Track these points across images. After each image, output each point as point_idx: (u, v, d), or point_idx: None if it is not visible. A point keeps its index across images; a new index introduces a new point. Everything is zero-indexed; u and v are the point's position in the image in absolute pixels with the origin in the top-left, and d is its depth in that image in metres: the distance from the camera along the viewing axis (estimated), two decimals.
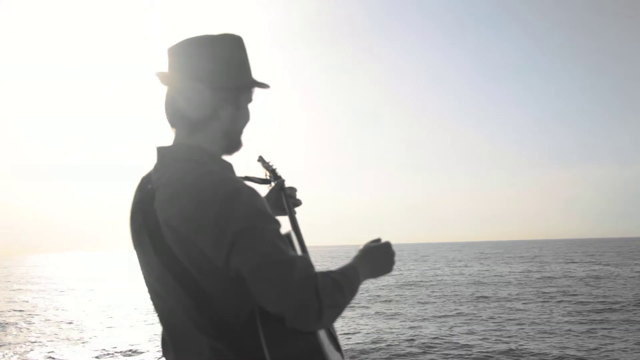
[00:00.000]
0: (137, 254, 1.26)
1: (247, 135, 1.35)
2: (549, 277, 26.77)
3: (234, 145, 1.33)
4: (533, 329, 12.19)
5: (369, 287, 22.05)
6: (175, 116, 1.27)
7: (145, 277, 1.26)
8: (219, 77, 1.26)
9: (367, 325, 13.39)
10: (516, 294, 19.31)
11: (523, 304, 16.62)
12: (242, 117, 1.32)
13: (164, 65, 1.30)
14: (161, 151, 1.26)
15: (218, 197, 1.11)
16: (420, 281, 26.45)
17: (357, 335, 12.02)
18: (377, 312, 15.60)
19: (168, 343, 1.25)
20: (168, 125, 1.31)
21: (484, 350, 10.02)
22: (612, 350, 9.83)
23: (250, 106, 1.34)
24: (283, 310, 1.09)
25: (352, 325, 13.38)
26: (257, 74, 1.33)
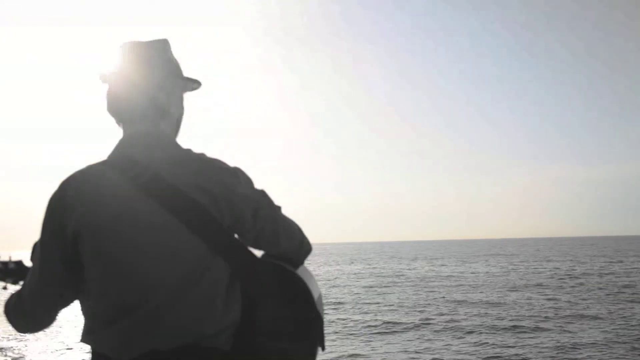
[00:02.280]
0: (127, 239, 1.22)
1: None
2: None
3: (176, 136, 1.46)
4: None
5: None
6: (129, 113, 1.35)
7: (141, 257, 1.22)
8: (169, 74, 1.38)
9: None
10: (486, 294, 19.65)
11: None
12: (182, 113, 1.46)
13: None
14: (138, 136, 1.32)
15: (231, 166, 1.33)
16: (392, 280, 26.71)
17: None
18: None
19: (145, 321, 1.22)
20: (115, 120, 1.37)
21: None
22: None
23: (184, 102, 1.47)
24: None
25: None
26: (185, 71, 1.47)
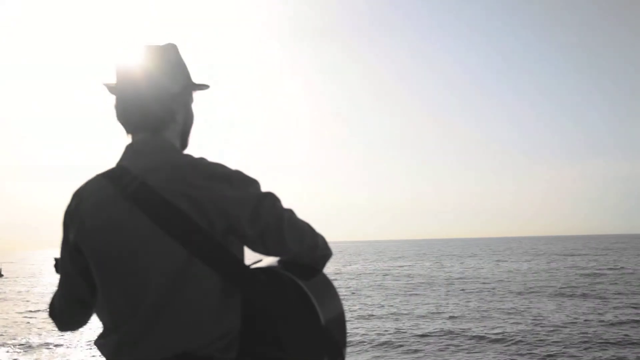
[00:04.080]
0: (114, 248, 1.24)
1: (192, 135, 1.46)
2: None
3: (184, 145, 1.44)
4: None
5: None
6: (136, 122, 1.34)
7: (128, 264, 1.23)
8: (174, 82, 1.36)
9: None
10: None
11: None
12: (191, 118, 1.44)
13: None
14: (137, 145, 1.32)
15: (230, 169, 1.27)
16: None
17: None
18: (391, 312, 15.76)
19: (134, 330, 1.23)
20: (123, 130, 1.37)
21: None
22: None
23: (193, 107, 1.45)
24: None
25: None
26: (195, 77, 1.44)
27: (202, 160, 1.28)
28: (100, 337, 1.30)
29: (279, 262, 1.36)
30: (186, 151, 1.43)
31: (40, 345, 11.37)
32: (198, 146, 1.48)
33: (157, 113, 1.33)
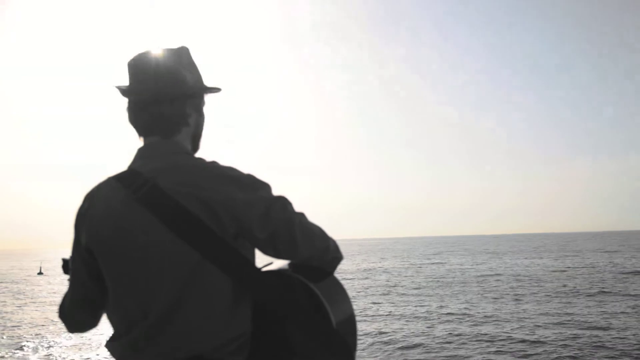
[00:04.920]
0: (125, 252, 1.23)
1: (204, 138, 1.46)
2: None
3: (197, 147, 1.44)
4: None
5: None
6: (149, 125, 1.34)
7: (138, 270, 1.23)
8: (185, 85, 1.36)
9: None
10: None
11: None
12: (202, 121, 1.44)
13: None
14: (149, 148, 1.33)
15: (239, 171, 1.27)
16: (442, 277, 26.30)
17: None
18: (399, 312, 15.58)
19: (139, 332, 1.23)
20: (136, 133, 1.38)
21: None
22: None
23: (204, 110, 1.45)
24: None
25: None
26: (206, 80, 1.43)
27: (213, 164, 1.28)
28: (111, 339, 1.30)
29: (289, 265, 1.35)
30: (198, 154, 1.42)
31: (73, 346, 11.39)
32: (210, 147, 1.48)
33: (169, 116, 1.34)
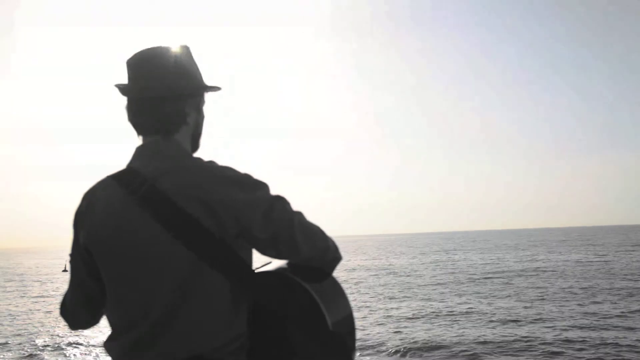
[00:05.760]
0: (126, 252, 1.23)
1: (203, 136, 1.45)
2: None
3: (196, 147, 1.43)
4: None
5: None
6: (147, 124, 1.33)
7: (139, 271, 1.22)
8: (185, 84, 1.35)
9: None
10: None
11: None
12: (202, 120, 1.43)
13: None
14: (147, 147, 1.32)
15: (237, 171, 1.26)
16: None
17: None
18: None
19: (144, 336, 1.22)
20: (135, 132, 1.36)
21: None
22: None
23: (204, 109, 1.43)
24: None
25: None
26: (206, 78, 1.42)
27: (211, 164, 1.28)
28: (109, 339, 1.30)
29: (288, 265, 1.34)
30: (197, 153, 1.41)
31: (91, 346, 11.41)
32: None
33: (168, 115, 1.33)
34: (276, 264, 1.36)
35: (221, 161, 1.31)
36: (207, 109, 1.45)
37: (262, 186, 1.27)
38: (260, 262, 1.40)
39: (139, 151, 1.34)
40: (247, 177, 1.26)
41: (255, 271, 1.30)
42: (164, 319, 1.20)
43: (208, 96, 1.44)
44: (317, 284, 1.30)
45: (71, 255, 1.38)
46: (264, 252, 1.28)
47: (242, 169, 1.29)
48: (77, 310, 1.42)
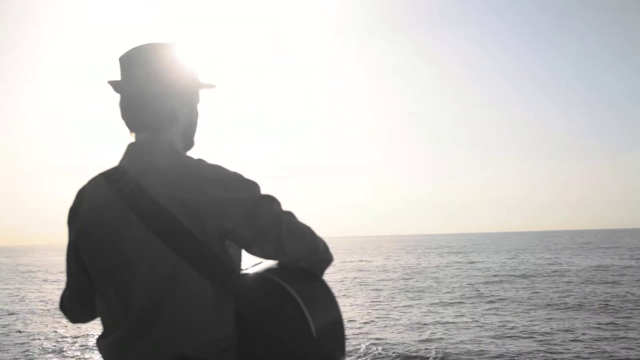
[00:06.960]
0: (113, 251, 1.23)
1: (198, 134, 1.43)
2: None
3: (189, 145, 1.42)
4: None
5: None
6: (138, 121, 1.32)
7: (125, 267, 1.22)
8: (176, 81, 1.34)
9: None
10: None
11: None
12: (196, 118, 1.42)
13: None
14: (137, 145, 1.32)
15: (225, 170, 1.25)
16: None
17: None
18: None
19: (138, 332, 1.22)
20: (127, 129, 1.36)
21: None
22: None
23: (199, 107, 1.42)
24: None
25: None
26: (201, 76, 1.40)
27: (199, 163, 1.26)
28: (100, 336, 1.30)
29: (277, 265, 1.31)
30: (191, 151, 1.41)
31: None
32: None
33: (158, 112, 1.32)
34: (265, 264, 1.34)
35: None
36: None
37: (250, 185, 1.25)
38: (251, 262, 1.37)
39: (129, 149, 1.33)
40: (234, 177, 1.24)
41: (241, 272, 1.28)
42: (145, 318, 1.20)
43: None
44: (304, 287, 1.27)
45: (66, 252, 1.40)
46: (250, 251, 1.26)
47: (242, 169, 1.27)
48: (75, 305, 1.44)
